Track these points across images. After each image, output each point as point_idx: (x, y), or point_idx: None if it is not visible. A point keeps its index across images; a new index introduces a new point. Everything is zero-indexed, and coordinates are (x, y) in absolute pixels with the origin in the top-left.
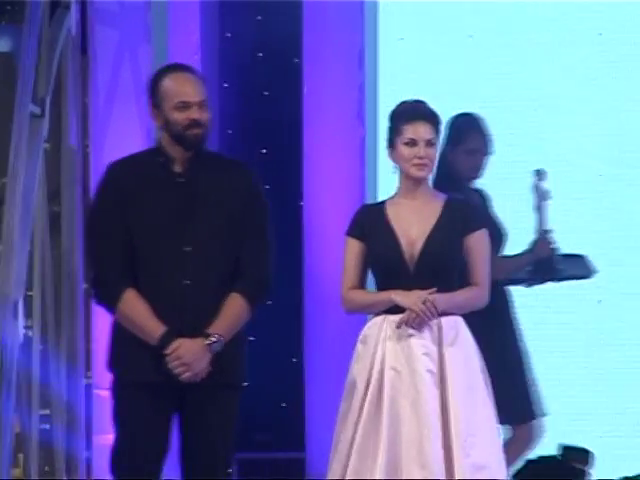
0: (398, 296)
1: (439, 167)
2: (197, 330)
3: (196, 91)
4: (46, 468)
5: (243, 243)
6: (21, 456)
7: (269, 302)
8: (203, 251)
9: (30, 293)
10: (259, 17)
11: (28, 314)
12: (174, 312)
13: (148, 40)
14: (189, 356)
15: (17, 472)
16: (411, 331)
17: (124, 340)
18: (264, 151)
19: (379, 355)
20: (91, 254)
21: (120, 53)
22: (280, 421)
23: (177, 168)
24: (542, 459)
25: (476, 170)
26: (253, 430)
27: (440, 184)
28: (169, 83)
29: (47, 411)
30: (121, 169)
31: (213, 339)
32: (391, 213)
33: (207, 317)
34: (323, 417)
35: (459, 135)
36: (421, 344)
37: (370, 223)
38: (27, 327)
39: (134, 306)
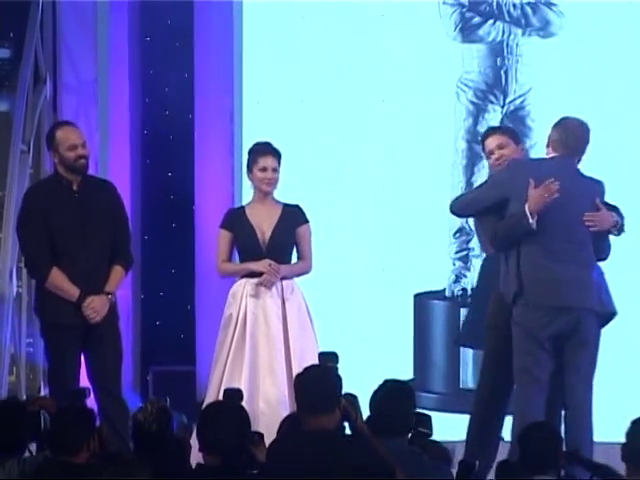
0: (253, 265)
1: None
2: (97, 289)
3: (79, 136)
4: (30, 376)
5: (116, 233)
6: (15, 368)
7: (173, 270)
8: (97, 239)
9: (20, 264)
10: (166, 89)
11: (19, 278)
12: (84, 279)
13: (96, 103)
14: (99, 307)
15: (12, 378)
16: (264, 289)
17: (48, 297)
18: (170, 174)
19: (243, 304)
20: (23, 247)
21: (77, 111)
22: (179, 346)
23: (74, 187)
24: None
25: None
26: (162, 352)
27: None
28: (61, 133)
29: (31, 340)
30: (38, 190)
31: (110, 295)
32: (249, 213)
33: (102, 280)
34: (207, 344)
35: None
36: (270, 297)
37: (235, 220)
38: (19, 286)
39: (58, 279)
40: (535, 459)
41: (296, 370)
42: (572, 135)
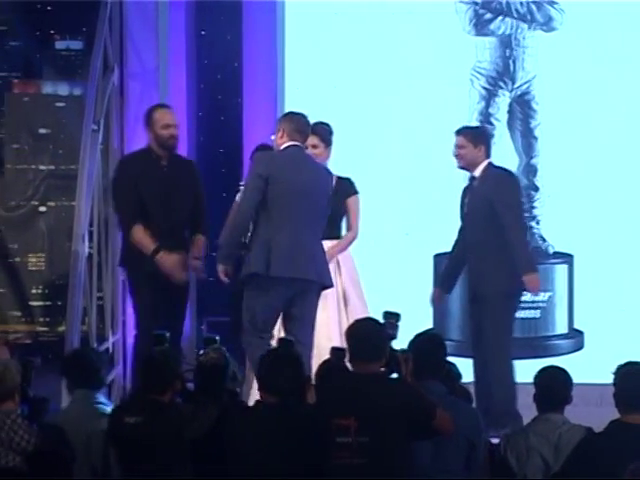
0: None
1: None
2: (172, 247)
3: (172, 118)
4: (100, 325)
5: (196, 206)
6: (86, 318)
7: None
8: (180, 206)
9: (91, 229)
10: (218, 76)
11: (91, 240)
12: (162, 237)
13: (157, 89)
14: (169, 263)
15: (84, 327)
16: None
17: (132, 250)
18: (221, 150)
19: None
20: (115, 205)
21: (141, 96)
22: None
23: (163, 162)
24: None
25: None
26: (215, 305)
27: None
28: (157, 114)
29: (101, 294)
30: (131, 159)
31: (198, 261)
32: None
33: (178, 240)
34: None
35: None
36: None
37: None
38: (90, 247)
39: (139, 233)
40: (549, 398)
41: (351, 317)
42: (304, 125)
